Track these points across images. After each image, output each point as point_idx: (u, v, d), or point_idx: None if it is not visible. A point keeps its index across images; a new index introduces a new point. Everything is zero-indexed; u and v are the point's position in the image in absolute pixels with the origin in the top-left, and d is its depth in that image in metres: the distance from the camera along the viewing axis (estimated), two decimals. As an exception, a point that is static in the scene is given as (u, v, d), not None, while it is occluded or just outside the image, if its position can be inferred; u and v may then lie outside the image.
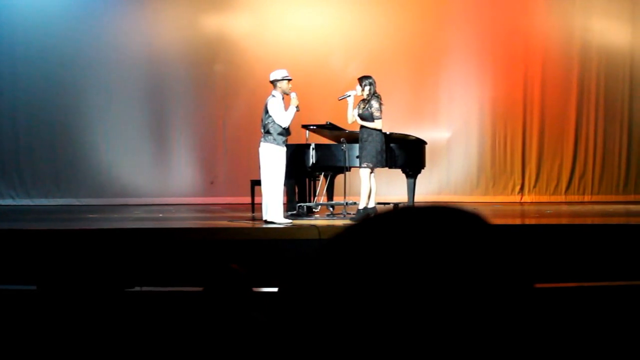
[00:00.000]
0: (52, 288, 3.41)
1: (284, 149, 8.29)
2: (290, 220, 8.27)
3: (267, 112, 8.27)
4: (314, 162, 8.97)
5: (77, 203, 12.51)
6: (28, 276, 5.66)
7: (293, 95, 8.28)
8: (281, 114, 8.21)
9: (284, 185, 8.45)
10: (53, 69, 12.57)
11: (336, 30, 13.03)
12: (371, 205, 8.66)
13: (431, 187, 12.61)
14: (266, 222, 8.16)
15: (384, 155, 8.74)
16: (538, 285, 0.78)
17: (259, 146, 8.35)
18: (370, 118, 8.58)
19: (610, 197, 13.36)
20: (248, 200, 10.24)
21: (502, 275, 0.75)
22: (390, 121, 9.48)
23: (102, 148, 12.81)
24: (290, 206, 9.05)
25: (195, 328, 3.17)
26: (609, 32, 13.55)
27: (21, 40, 12.56)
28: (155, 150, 12.99)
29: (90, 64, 12.64)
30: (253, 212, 9.73)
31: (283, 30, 12.93)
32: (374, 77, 8.73)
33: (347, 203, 9.02)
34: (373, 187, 8.64)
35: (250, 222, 8.79)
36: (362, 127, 8.67)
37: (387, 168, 9.05)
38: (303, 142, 9.30)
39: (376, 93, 8.66)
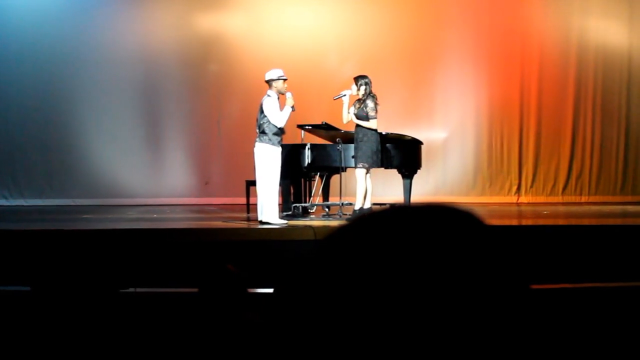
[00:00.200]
0: (46, 289, 3.40)
1: (279, 149, 8.27)
2: (285, 221, 8.26)
3: (262, 112, 8.25)
4: (310, 162, 8.96)
5: (71, 203, 12.49)
6: (22, 277, 5.64)
7: (289, 95, 8.27)
8: (276, 114, 8.18)
9: (280, 185, 8.43)
10: (47, 69, 12.54)
11: (331, 30, 13.02)
12: (367, 205, 8.66)
13: (427, 188, 12.59)
14: (261, 222, 8.15)
15: (380, 156, 8.73)
16: (534, 287, 0.78)
17: (254, 146, 8.33)
18: (366, 118, 8.58)
19: (607, 198, 13.36)
20: (243, 200, 10.22)
21: (497, 274, 0.75)
22: (386, 121, 9.47)
23: (96, 148, 12.79)
24: (285, 207, 9.04)
25: (190, 329, 3.16)
26: (606, 32, 13.55)
27: (14, 40, 12.54)
28: (150, 150, 12.97)
29: (84, 64, 12.62)
30: (248, 212, 9.71)
31: (278, 29, 12.92)
32: (369, 76, 8.73)
33: (342, 204, 9.01)
34: (369, 188, 8.63)
35: (246, 222, 8.78)
36: (357, 127, 8.66)
37: (383, 168, 9.06)
38: (298, 142, 9.29)
39: (372, 93, 8.66)
